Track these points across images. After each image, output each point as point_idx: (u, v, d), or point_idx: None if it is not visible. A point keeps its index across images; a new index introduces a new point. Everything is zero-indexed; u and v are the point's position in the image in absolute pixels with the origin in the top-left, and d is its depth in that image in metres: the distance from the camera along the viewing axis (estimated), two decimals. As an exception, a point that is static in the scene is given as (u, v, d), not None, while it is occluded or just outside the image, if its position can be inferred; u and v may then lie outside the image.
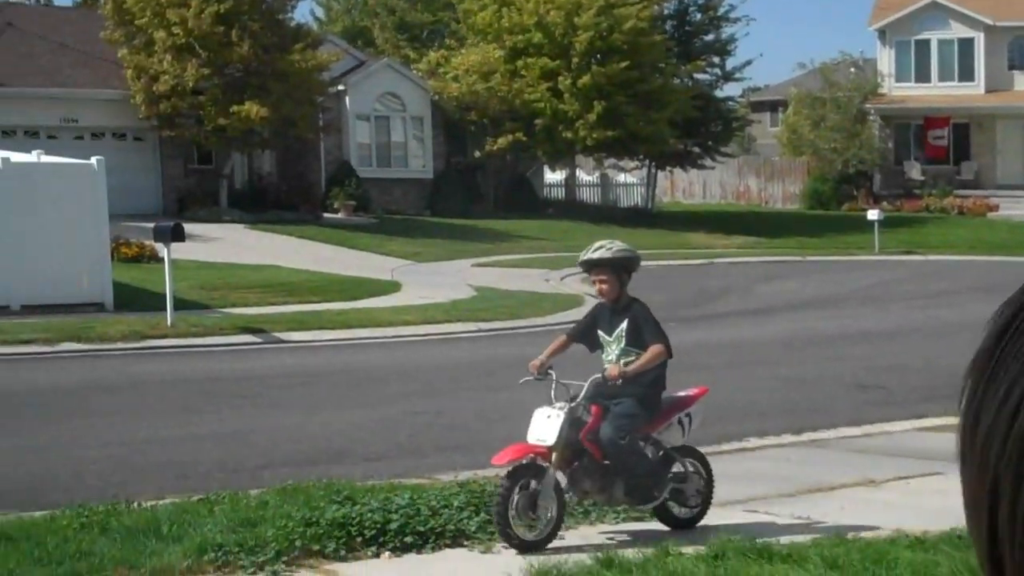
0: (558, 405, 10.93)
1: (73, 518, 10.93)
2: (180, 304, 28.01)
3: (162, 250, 29.24)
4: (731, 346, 26.35)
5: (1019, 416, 0.97)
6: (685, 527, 11.45)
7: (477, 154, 56.97)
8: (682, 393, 11.64)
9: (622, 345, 11.17)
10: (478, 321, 30.31)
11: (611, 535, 11.42)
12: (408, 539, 10.62)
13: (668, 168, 65.30)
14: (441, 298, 34.01)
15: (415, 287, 36.61)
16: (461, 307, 32.45)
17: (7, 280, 29.61)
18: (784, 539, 10.58)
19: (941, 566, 9.32)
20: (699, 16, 63.64)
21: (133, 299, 30.95)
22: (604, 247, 11.32)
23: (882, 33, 67.99)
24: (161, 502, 11.74)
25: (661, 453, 11.40)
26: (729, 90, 74.76)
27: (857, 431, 17.33)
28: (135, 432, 16.68)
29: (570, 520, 11.51)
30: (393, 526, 10.64)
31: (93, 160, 31.41)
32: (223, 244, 42.02)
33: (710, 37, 63.74)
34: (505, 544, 10.64)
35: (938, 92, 66.63)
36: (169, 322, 27.29)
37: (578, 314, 34.39)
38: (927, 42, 66.85)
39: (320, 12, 77.96)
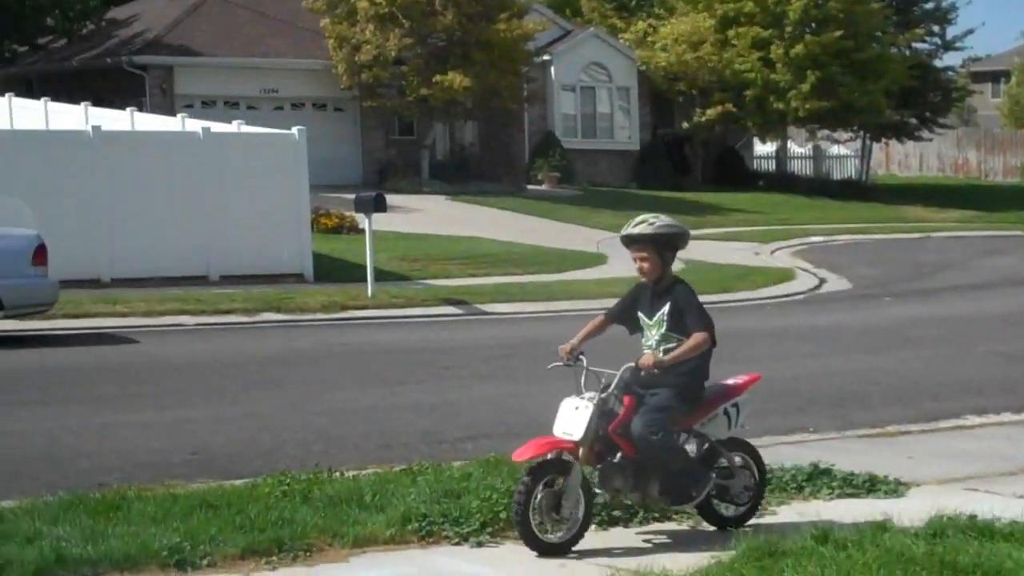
0: (587, 395, 9.86)
1: (274, 486, 10.88)
2: (380, 275, 27.90)
3: (363, 221, 29.11)
4: (947, 321, 26.03)
5: None
6: (732, 526, 10.37)
7: (685, 125, 56.29)
8: (730, 381, 10.43)
9: (662, 330, 9.99)
10: (687, 295, 29.38)
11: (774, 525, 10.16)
12: (616, 512, 10.58)
13: (883, 140, 64.23)
14: (648, 270, 33.27)
15: (621, 259, 36.05)
16: (669, 280, 31.66)
17: (206, 250, 29.51)
18: (1006, 517, 9.99)
19: None
20: (918, -17, 61.79)
21: (332, 270, 30.97)
22: (646, 221, 10.05)
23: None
24: (363, 472, 11.72)
25: (706, 447, 10.30)
26: (949, 60, 72.25)
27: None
28: (335, 402, 16.53)
29: (778, 496, 11.22)
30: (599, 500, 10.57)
31: (294, 130, 31.36)
32: (423, 215, 41.77)
33: (930, 5, 62.18)
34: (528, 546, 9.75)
35: None
36: (369, 293, 27.11)
37: (789, 288, 33.70)
38: None
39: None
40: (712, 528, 10.41)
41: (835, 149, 66.14)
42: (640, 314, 10.09)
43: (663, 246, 10.01)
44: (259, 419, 15.28)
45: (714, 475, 10.21)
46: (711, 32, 55.03)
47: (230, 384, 18.01)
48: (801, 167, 64.98)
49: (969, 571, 8.55)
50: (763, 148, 65.49)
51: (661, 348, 9.90)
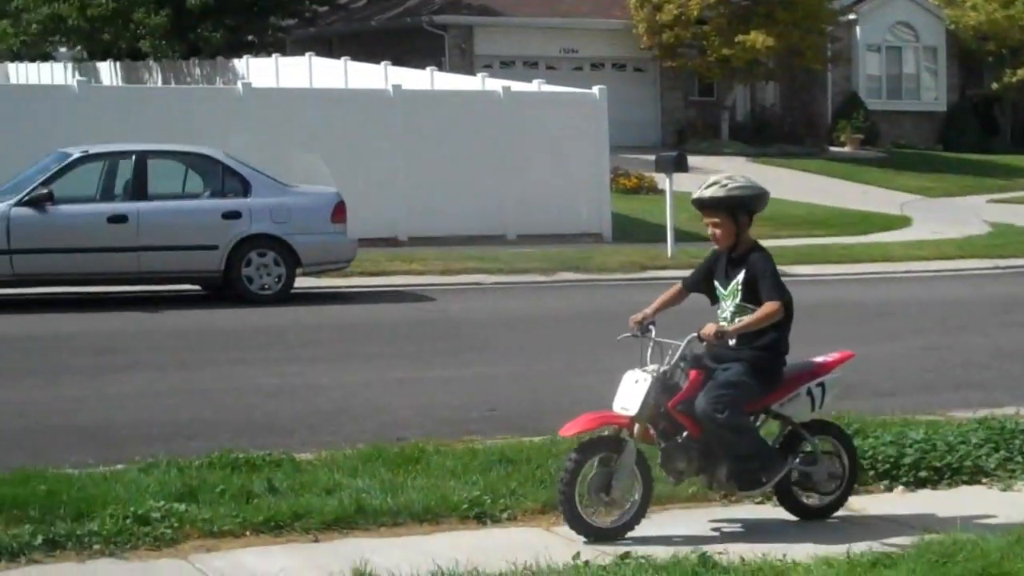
0: (650, 368, 9.05)
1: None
2: (680, 236, 27.50)
3: (662, 181, 28.87)
4: None
5: None
6: (816, 518, 9.46)
7: (994, 86, 54.38)
8: (818, 359, 9.48)
9: (736, 300, 9.17)
10: (994, 258, 29.21)
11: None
12: (923, 474, 10.48)
13: None
14: (954, 233, 33.23)
15: (926, 222, 36.06)
16: (976, 243, 31.59)
17: (504, 209, 29.58)
18: None
19: None
20: None
21: (631, 230, 30.80)
22: (718, 183, 9.12)
23: None
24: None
25: (788, 430, 9.40)
26: None
27: None
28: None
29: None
30: (907, 460, 10.54)
31: (595, 89, 31.29)
32: (723, 177, 40.98)
33: None
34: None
35: None
36: (669, 253, 26.86)
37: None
38: None
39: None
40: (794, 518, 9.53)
41: None
42: (716, 283, 9.37)
43: (738, 209, 9.16)
44: (558, 377, 15.15)
45: (796, 460, 9.35)
46: (1024, -11, 53.18)
47: (528, 342, 17.97)
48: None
49: None
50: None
51: (736, 320, 9.15)
